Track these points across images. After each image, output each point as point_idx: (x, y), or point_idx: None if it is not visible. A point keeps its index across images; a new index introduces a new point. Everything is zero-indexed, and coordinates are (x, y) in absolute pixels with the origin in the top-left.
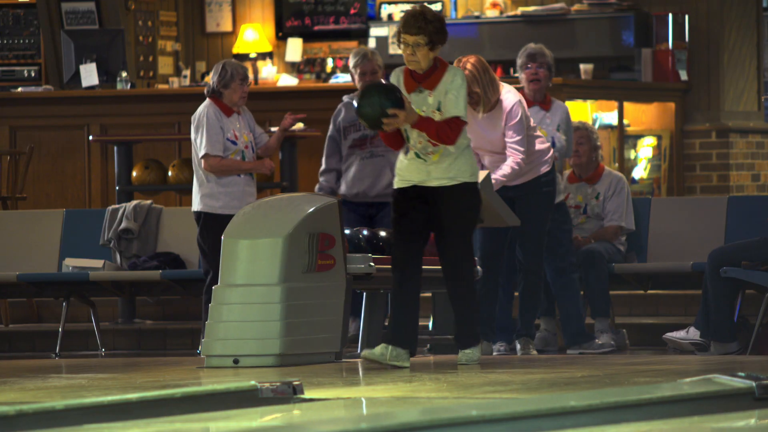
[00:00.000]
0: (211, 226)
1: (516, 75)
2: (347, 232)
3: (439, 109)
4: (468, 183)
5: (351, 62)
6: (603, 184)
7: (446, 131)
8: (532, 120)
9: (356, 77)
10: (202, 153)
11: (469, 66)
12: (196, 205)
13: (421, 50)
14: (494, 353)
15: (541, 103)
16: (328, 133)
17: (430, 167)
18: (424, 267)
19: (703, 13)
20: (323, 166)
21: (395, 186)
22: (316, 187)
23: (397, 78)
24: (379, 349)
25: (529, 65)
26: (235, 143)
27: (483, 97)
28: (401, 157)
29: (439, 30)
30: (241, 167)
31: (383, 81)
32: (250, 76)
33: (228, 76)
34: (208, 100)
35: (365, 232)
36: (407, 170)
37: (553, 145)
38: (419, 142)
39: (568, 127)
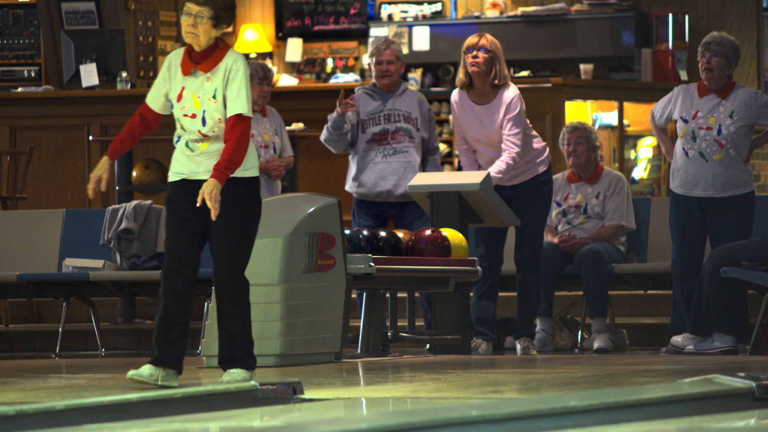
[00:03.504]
0: None
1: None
2: (347, 232)
3: (215, 97)
4: (244, 178)
5: (400, 53)
6: (603, 184)
7: (236, 150)
8: (698, 111)
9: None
10: None
11: (489, 37)
12: None
13: (204, 24)
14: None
15: (717, 91)
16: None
17: (199, 158)
18: (424, 267)
19: (703, 13)
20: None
21: (168, 179)
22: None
23: (169, 62)
24: (147, 370)
25: (704, 54)
26: None
27: (499, 71)
28: (176, 145)
29: (227, 8)
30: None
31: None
32: None
33: None
34: None
35: (365, 232)
36: (177, 160)
37: (719, 132)
38: (190, 132)
39: (748, 112)
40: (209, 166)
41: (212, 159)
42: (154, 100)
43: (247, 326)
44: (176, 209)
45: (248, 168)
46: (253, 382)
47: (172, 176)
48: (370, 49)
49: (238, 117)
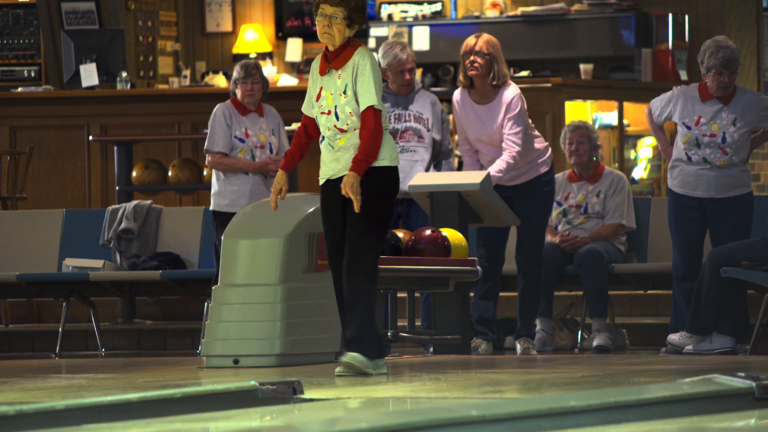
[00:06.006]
0: (219, 223)
1: (517, 75)
2: None
3: (345, 92)
4: (377, 168)
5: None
6: (604, 183)
7: (371, 142)
8: (700, 117)
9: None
10: (204, 149)
11: (486, 37)
12: (211, 203)
13: (338, 24)
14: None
15: (720, 98)
16: None
17: (338, 153)
18: (424, 267)
19: (703, 13)
20: None
21: (319, 183)
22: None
23: (312, 68)
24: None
25: (722, 73)
26: (243, 141)
27: (498, 71)
28: (321, 146)
29: (360, 9)
30: (238, 165)
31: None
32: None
33: (234, 77)
34: (228, 100)
35: None
36: (323, 161)
37: (723, 140)
38: (327, 129)
39: (750, 116)
40: (349, 161)
41: (350, 153)
42: (308, 107)
43: (373, 314)
44: (327, 211)
45: (383, 158)
46: (374, 370)
47: (321, 179)
48: (381, 51)
49: (370, 109)
